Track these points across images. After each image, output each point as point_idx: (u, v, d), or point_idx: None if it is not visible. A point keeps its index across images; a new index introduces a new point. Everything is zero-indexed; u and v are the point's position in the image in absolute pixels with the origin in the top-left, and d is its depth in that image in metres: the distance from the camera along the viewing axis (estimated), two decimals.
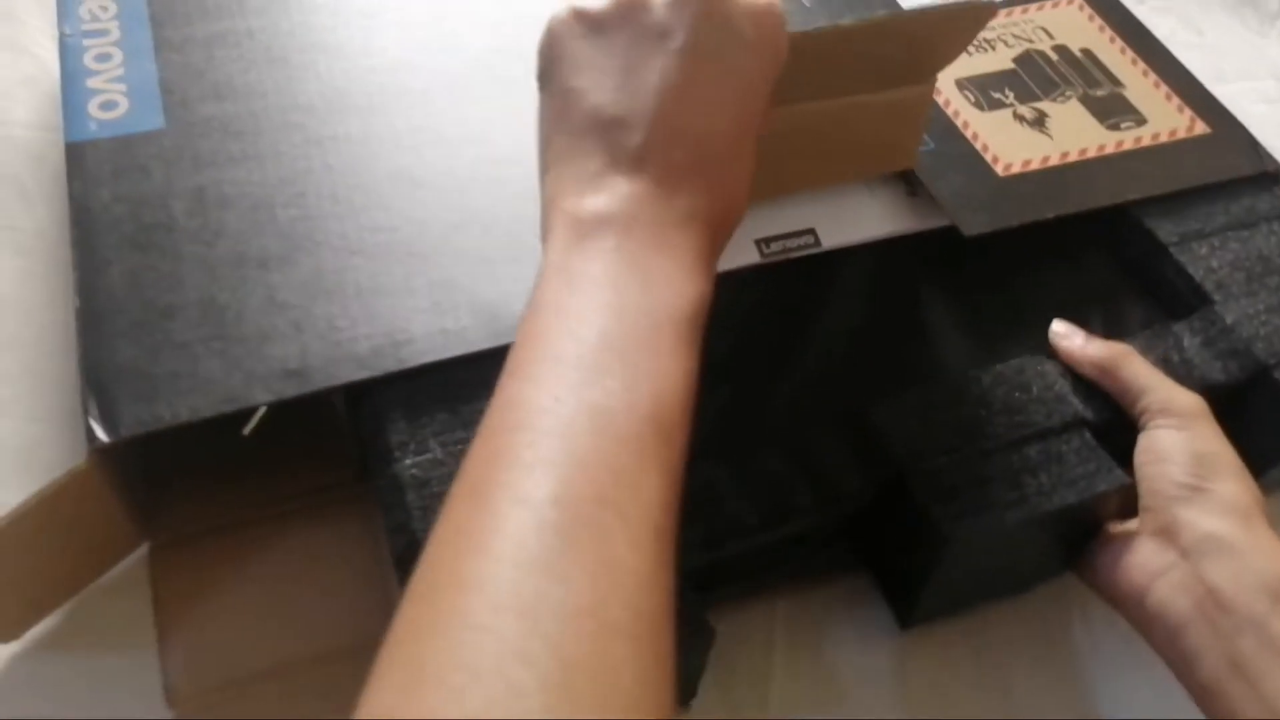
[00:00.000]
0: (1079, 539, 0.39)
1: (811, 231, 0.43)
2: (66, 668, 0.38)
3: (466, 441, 0.33)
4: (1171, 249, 0.46)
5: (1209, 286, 0.45)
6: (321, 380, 0.37)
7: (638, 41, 0.30)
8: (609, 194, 0.29)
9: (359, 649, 0.37)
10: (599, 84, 0.30)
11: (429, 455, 0.36)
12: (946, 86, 0.51)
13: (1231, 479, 0.36)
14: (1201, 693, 0.33)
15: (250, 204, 0.42)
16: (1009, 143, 0.48)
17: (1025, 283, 0.47)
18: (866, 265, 0.45)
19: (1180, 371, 0.42)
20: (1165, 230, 0.47)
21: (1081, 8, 0.56)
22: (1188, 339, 0.43)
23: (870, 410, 0.39)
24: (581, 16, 0.31)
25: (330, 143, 0.45)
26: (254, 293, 0.39)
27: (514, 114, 0.47)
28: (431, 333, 0.39)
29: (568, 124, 0.31)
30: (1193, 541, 0.34)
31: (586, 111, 0.30)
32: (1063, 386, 0.41)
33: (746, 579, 0.40)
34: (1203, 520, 0.35)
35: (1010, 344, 0.43)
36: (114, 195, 0.41)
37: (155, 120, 0.44)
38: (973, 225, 0.44)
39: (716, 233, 0.31)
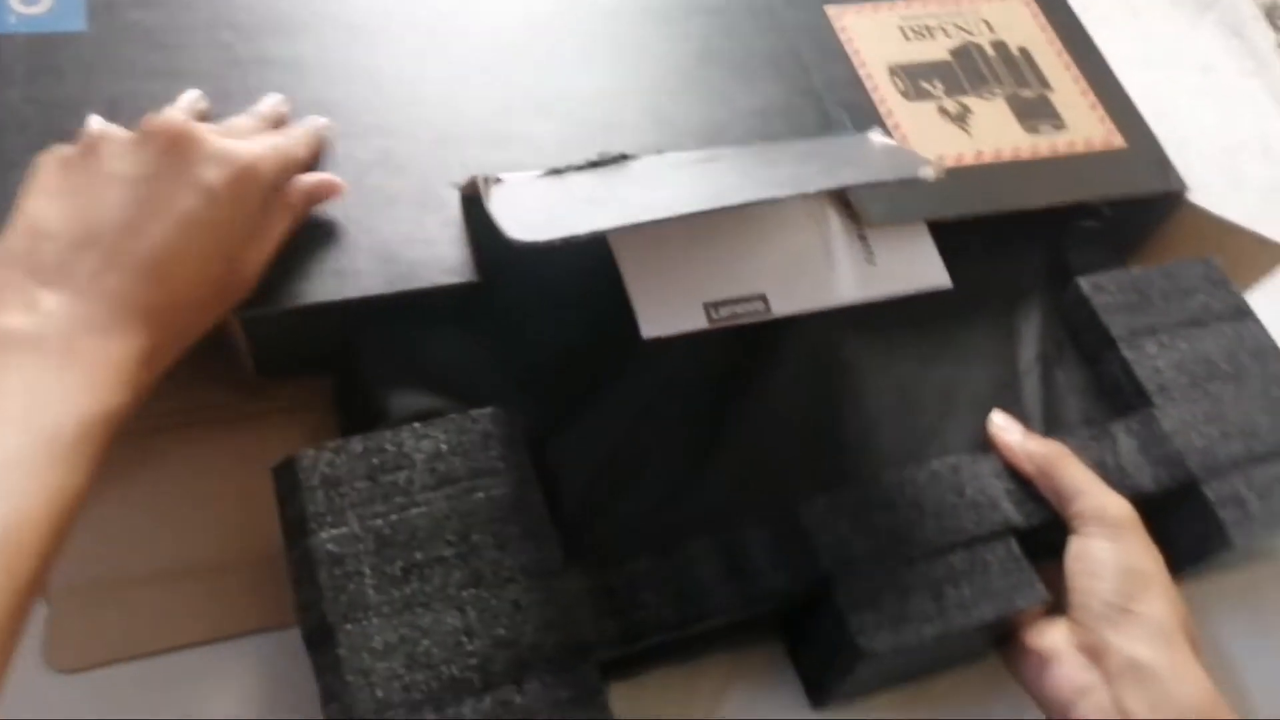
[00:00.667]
0: (1000, 637, 0.40)
1: (762, 297, 0.42)
2: None
3: (385, 516, 0.35)
4: (1121, 344, 0.46)
5: (1151, 388, 0.45)
6: None
7: (94, 171, 0.34)
8: (24, 308, 0.31)
9: (236, 564, 0.39)
10: (46, 205, 0.33)
11: (345, 529, 0.35)
12: (878, 72, 0.51)
13: (1158, 598, 0.37)
14: None
15: None
16: (927, 136, 0.49)
17: (961, 354, 0.47)
18: (800, 338, 0.44)
19: (1114, 476, 0.42)
20: (1118, 325, 0.46)
21: (1027, 3, 0.57)
22: (1124, 441, 0.44)
23: (800, 509, 0.39)
24: (64, 148, 0.35)
25: (255, 66, 0.44)
26: None
27: (444, 55, 0.47)
28: (325, 273, 0.39)
29: (8, 239, 0.33)
30: (1117, 668, 0.36)
31: (26, 228, 0.33)
32: (995, 489, 0.41)
33: (664, 660, 0.40)
34: (1127, 646, 0.36)
35: (947, 425, 0.44)
36: (24, 96, 0.41)
37: (77, 22, 0.44)
38: (874, 216, 0.45)
39: (149, 355, 0.33)
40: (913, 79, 0.51)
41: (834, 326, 0.45)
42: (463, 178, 0.42)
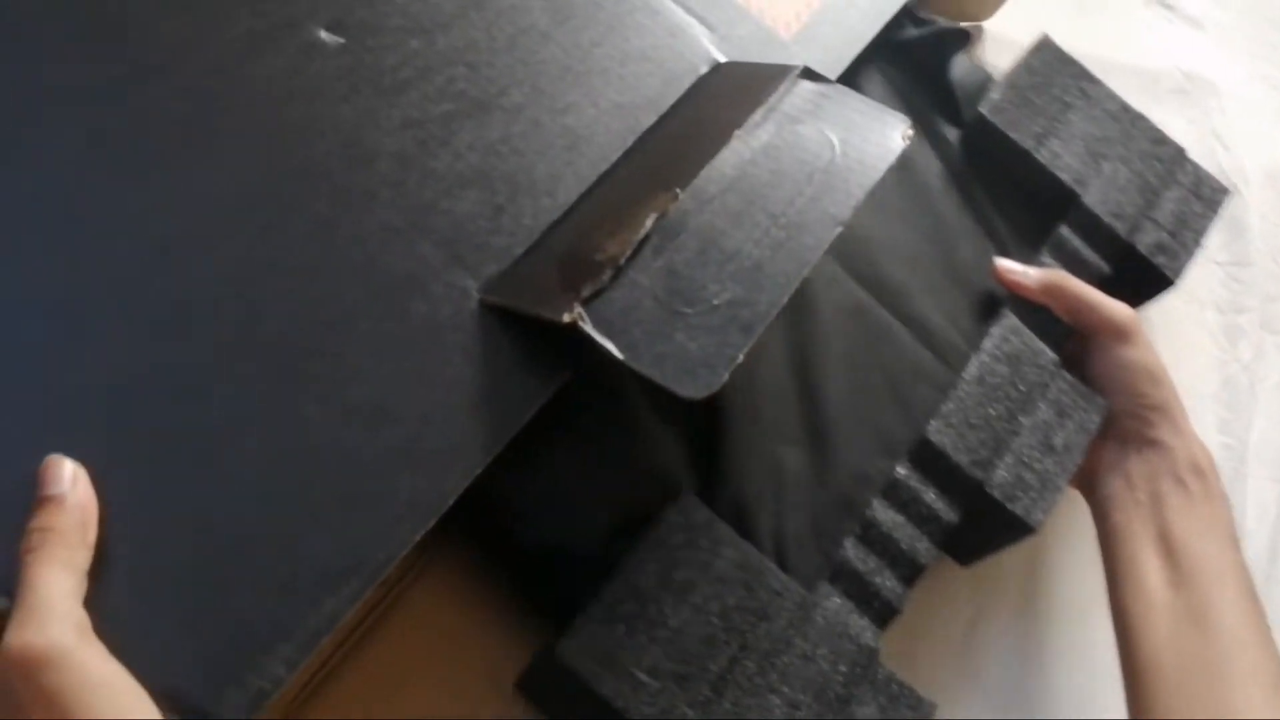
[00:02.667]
0: None
1: None
2: None
3: (662, 654, 0.35)
4: (1034, 154, 0.50)
5: (1069, 180, 0.50)
6: None
7: None
8: None
9: None
10: None
11: (644, 687, 0.35)
12: None
13: (1168, 388, 0.45)
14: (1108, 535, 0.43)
15: None
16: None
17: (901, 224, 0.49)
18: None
19: (1083, 274, 0.48)
20: (1024, 138, 0.50)
21: None
22: (1077, 242, 0.50)
23: (927, 432, 0.42)
24: None
25: None
26: None
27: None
28: None
29: None
30: (1144, 448, 0.45)
31: None
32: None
33: None
34: (1151, 433, 0.45)
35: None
36: None
37: None
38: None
39: None
40: None
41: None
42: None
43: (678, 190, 0.34)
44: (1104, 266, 0.50)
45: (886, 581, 0.41)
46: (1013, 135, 0.50)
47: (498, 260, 0.35)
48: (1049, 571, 0.50)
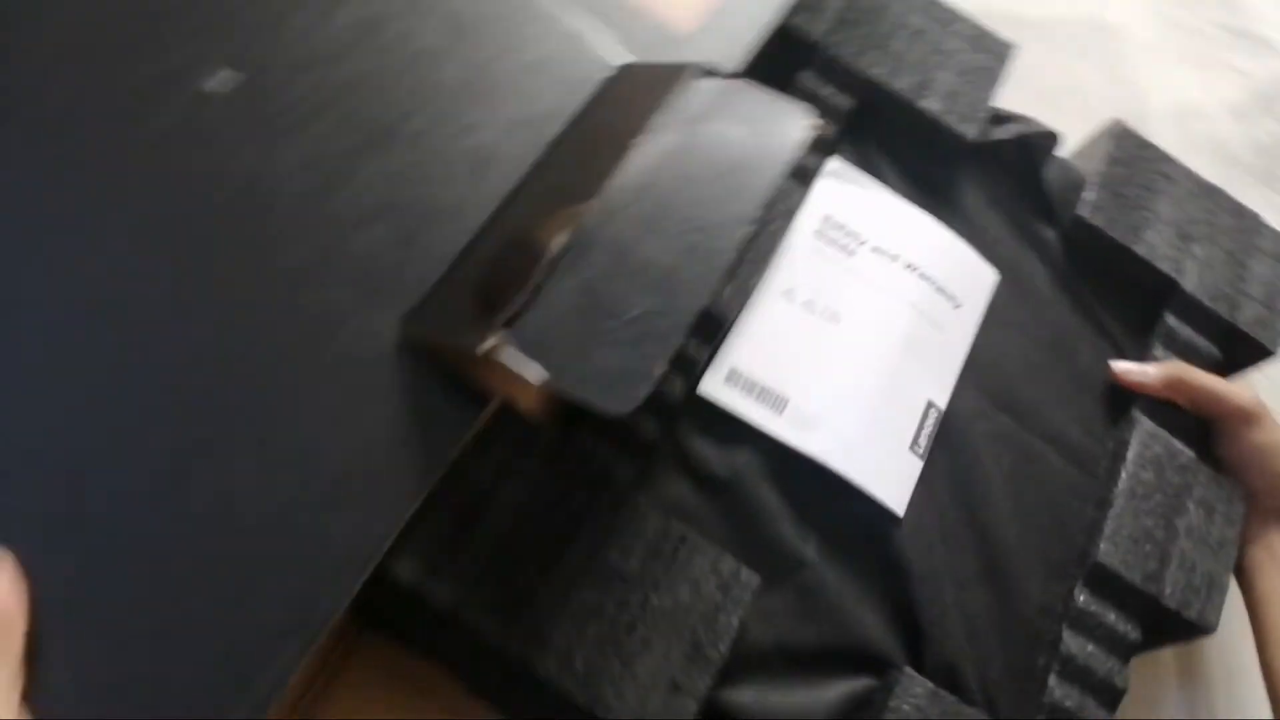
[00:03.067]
0: None
1: None
2: None
3: None
4: (1132, 247, 0.51)
5: (1168, 269, 0.51)
6: None
7: None
8: None
9: None
10: None
11: None
12: None
13: None
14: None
15: None
16: None
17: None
18: None
19: (1196, 361, 0.50)
20: (1120, 230, 0.51)
21: None
22: (1187, 330, 0.51)
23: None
24: None
25: None
26: None
27: None
28: None
29: None
30: None
31: None
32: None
33: None
34: None
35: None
36: None
37: None
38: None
39: None
40: None
41: None
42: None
43: (588, 204, 0.34)
44: (1215, 351, 0.52)
45: (1096, 714, 0.42)
46: (1112, 234, 0.51)
47: (412, 293, 0.35)
48: (1203, 645, 0.52)
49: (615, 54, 0.42)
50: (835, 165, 0.49)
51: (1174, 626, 0.45)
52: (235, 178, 0.35)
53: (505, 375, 0.31)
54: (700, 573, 0.38)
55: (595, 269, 0.33)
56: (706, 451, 0.42)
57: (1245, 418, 0.47)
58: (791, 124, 0.37)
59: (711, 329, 0.42)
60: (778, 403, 0.42)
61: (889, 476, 0.43)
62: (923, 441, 0.44)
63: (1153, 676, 0.51)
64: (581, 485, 0.38)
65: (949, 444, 0.45)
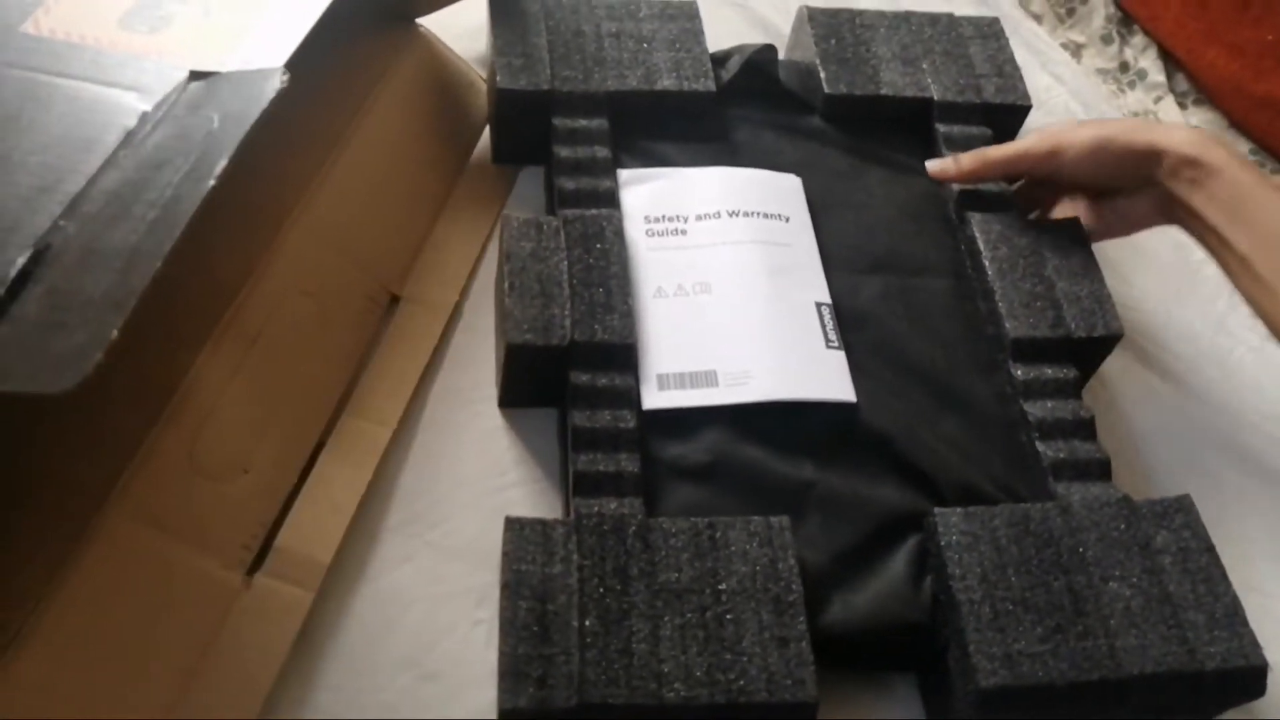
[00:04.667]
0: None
1: None
2: None
3: None
4: (883, 92, 0.59)
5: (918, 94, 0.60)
6: None
7: None
8: None
9: None
10: None
11: None
12: None
13: (1111, 123, 0.57)
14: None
15: None
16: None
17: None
18: None
19: (981, 144, 0.58)
20: (865, 87, 0.59)
21: None
22: (956, 129, 0.59)
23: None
24: None
25: None
26: None
27: None
28: None
29: None
30: None
31: None
32: None
33: None
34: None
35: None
36: None
37: None
38: None
39: None
40: None
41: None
42: None
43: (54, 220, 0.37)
44: (988, 131, 0.59)
45: (1087, 450, 0.49)
46: (859, 93, 0.58)
47: None
48: None
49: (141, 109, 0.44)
50: (625, 175, 0.54)
51: (1094, 348, 0.52)
52: None
53: None
54: (741, 543, 0.42)
55: (61, 271, 0.36)
56: (681, 451, 0.46)
57: (1051, 152, 0.53)
58: (264, 84, 0.41)
59: (622, 361, 0.47)
60: (709, 378, 0.47)
61: (827, 377, 0.48)
62: (833, 336, 0.50)
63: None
64: (609, 541, 0.42)
65: (851, 324, 0.51)
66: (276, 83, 0.40)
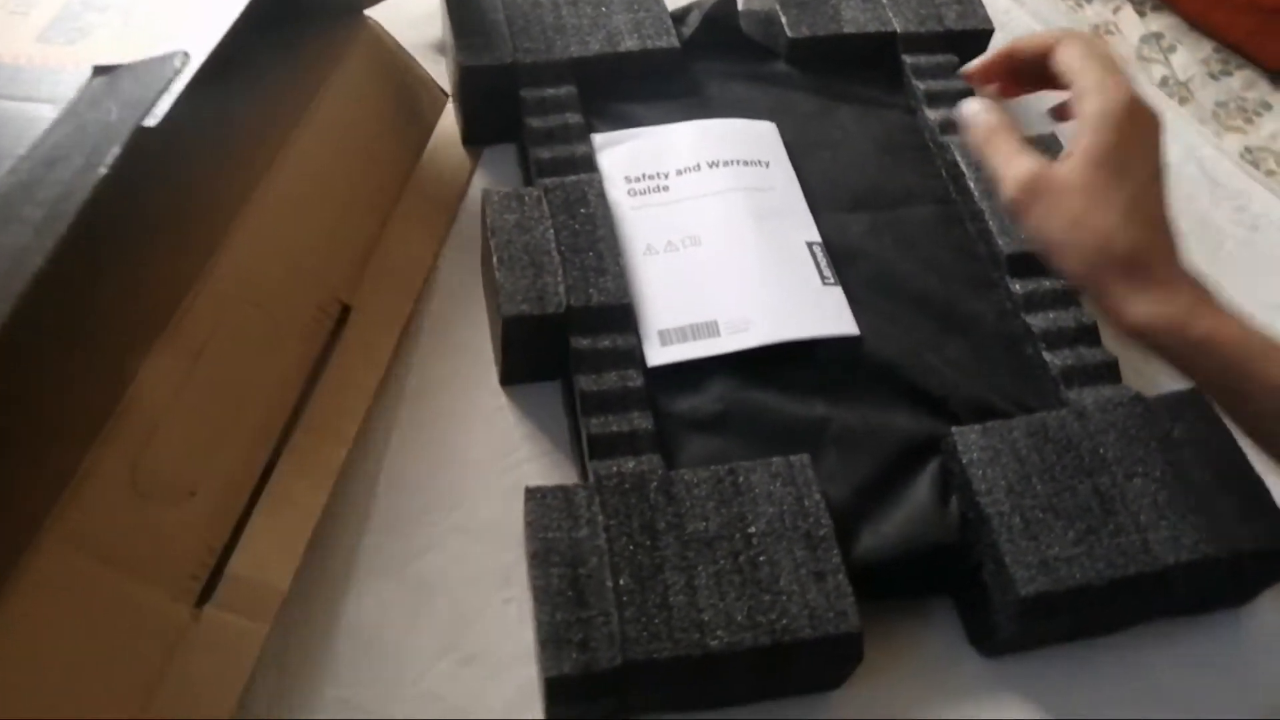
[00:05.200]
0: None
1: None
2: None
3: None
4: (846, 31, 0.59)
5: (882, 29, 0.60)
6: None
7: None
8: None
9: None
10: None
11: None
12: None
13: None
14: None
15: None
16: None
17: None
18: None
19: (948, 70, 0.59)
20: (826, 28, 0.59)
21: None
22: (924, 59, 0.59)
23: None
24: None
25: None
26: None
27: None
28: None
29: None
30: None
31: None
32: None
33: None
34: None
35: None
36: None
37: None
38: None
39: None
40: None
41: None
42: None
43: None
44: (954, 58, 0.59)
45: (1093, 355, 0.49)
46: (821, 33, 0.58)
47: None
48: None
49: (46, 118, 0.42)
50: (600, 139, 0.53)
51: None
52: None
53: None
54: (765, 485, 0.42)
55: None
56: (692, 404, 0.45)
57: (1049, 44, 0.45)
58: (162, 69, 0.40)
59: (621, 321, 0.46)
60: (710, 329, 0.47)
61: (827, 314, 0.48)
62: (828, 273, 0.49)
63: None
64: (632, 499, 0.41)
65: (844, 261, 0.51)
66: (175, 64, 0.39)
